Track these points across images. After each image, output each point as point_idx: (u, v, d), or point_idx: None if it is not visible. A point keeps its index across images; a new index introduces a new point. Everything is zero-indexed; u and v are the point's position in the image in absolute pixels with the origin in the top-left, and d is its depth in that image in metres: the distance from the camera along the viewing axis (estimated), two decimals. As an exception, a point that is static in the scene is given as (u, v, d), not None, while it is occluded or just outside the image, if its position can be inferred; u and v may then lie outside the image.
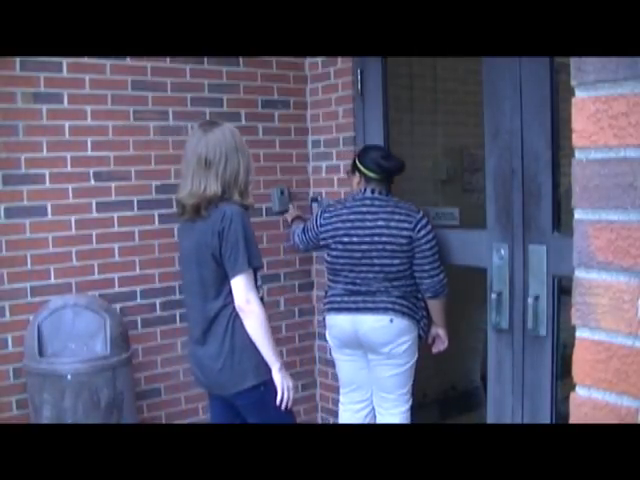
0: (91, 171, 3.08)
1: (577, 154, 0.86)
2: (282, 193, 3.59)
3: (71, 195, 3.03)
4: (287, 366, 3.61)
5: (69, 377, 2.65)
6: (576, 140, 0.86)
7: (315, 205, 3.66)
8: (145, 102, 3.19)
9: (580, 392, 0.87)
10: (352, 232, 2.85)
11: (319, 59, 3.60)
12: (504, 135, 2.70)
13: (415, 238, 2.79)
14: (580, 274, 0.87)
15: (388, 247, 2.80)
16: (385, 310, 2.84)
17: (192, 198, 2.37)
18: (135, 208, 3.19)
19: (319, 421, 3.78)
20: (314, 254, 3.74)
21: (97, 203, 3.09)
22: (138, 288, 3.22)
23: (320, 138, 3.64)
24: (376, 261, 2.82)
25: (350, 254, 2.86)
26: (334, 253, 2.91)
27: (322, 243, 2.97)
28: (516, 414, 2.69)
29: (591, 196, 0.85)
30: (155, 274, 3.26)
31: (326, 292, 3.05)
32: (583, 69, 0.84)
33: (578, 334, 0.87)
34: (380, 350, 2.88)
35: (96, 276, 3.10)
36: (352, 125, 3.45)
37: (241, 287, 2.32)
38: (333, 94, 3.53)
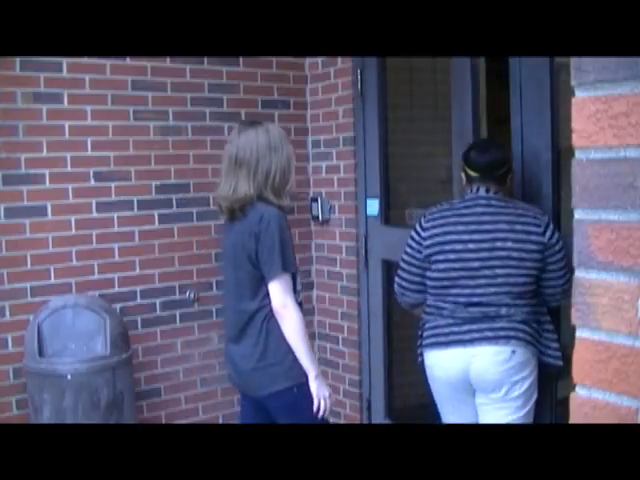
0: (91, 171, 3.08)
1: (577, 154, 0.86)
2: (282, 193, 3.59)
3: (71, 195, 3.03)
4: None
5: (69, 377, 2.65)
6: (576, 140, 0.86)
7: (315, 205, 3.65)
8: (145, 102, 3.19)
9: (580, 392, 0.87)
10: (466, 237, 2.34)
11: (319, 59, 3.60)
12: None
13: (548, 245, 2.30)
14: (580, 274, 0.87)
15: (514, 254, 2.30)
16: (507, 339, 2.30)
17: (224, 201, 2.35)
18: (135, 208, 3.19)
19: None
20: (314, 253, 3.74)
21: (97, 203, 3.09)
22: (138, 288, 3.22)
23: (320, 138, 3.64)
24: (498, 271, 2.31)
25: (464, 264, 2.34)
26: (443, 266, 2.37)
27: (429, 260, 2.42)
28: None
29: (591, 196, 0.85)
30: (155, 274, 3.26)
31: (423, 323, 2.49)
32: (583, 69, 0.84)
33: (578, 334, 0.87)
34: (493, 392, 2.34)
35: (96, 276, 3.10)
36: (352, 125, 3.45)
37: (278, 291, 2.27)
38: (333, 94, 3.53)
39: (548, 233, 2.32)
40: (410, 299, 2.54)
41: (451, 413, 2.49)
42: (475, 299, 2.33)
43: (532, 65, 2.53)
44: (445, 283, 2.38)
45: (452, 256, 2.36)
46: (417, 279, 2.47)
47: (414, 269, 2.47)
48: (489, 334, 2.32)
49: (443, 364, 2.40)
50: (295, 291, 2.35)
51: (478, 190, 2.41)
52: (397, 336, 3.62)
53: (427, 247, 2.41)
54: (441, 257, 2.38)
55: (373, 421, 3.45)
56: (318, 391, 2.32)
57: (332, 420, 3.67)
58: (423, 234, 2.43)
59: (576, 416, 0.88)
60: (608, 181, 0.83)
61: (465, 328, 2.34)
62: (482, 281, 2.32)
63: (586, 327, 0.86)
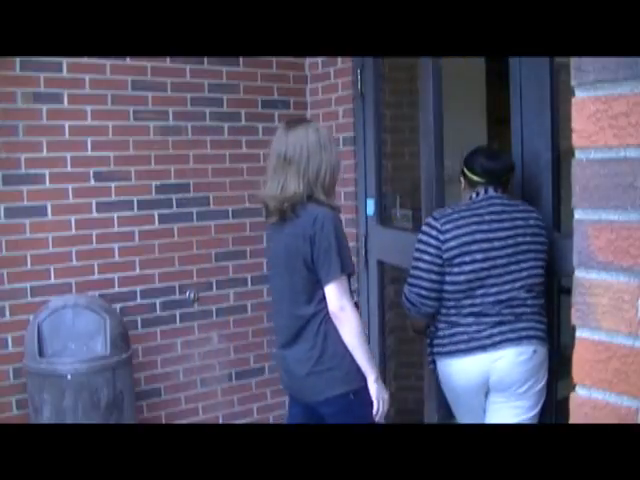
0: (91, 171, 3.08)
1: (577, 154, 0.86)
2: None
3: (71, 195, 3.03)
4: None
5: (69, 377, 2.65)
6: (576, 140, 0.86)
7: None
8: (145, 102, 3.19)
9: (580, 392, 0.87)
10: (492, 235, 2.35)
11: (319, 59, 3.60)
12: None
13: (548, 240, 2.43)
14: (580, 274, 0.87)
15: (533, 247, 2.37)
16: (528, 339, 2.33)
17: (272, 200, 2.27)
18: (135, 208, 3.19)
19: (319, 421, 3.77)
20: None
21: (97, 203, 3.09)
22: (138, 288, 3.22)
23: (320, 138, 3.63)
24: (523, 265, 2.36)
25: (493, 262, 2.33)
26: (469, 267, 2.33)
27: (451, 262, 2.36)
28: (516, 414, 2.68)
29: (591, 196, 0.85)
30: (155, 274, 3.26)
31: (436, 330, 2.46)
32: (583, 69, 0.84)
33: (578, 334, 0.87)
34: (511, 391, 2.37)
35: (96, 276, 3.10)
36: (352, 125, 3.45)
37: (335, 294, 2.19)
38: (333, 94, 3.53)
39: (546, 230, 2.42)
40: (430, 309, 2.43)
41: (466, 415, 2.49)
42: (503, 296, 2.33)
43: (532, 65, 2.52)
44: (473, 285, 2.33)
45: (479, 256, 2.33)
46: (437, 286, 2.38)
47: (434, 276, 2.37)
48: (511, 335, 2.32)
49: (464, 371, 2.38)
50: (350, 292, 2.28)
51: (487, 191, 2.43)
52: (395, 337, 3.62)
53: (450, 249, 2.34)
54: (467, 258, 2.33)
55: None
56: (378, 393, 2.26)
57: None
58: (443, 237, 2.35)
59: (576, 416, 0.88)
60: (608, 181, 0.83)
61: (486, 333, 2.33)
62: (509, 277, 2.33)
63: (586, 327, 0.86)
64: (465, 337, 2.35)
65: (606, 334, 0.84)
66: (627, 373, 0.81)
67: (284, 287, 2.31)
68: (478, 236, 2.33)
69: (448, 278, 2.36)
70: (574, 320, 0.88)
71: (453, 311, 2.39)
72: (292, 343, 2.30)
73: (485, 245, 2.33)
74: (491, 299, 2.33)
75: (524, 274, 2.34)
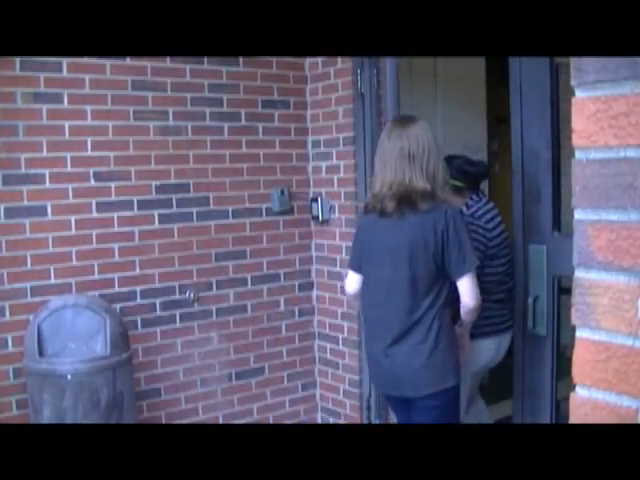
0: (91, 171, 3.08)
1: (577, 154, 0.86)
2: (282, 193, 3.60)
3: (71, 195, 3.03)
4: (287, 366, 3.65)
5: (69, 377, 2.65)
6: (576, 140, 0.86)
7: (315, 205, 3.65)
8: (145, 102, 3.19)
9: (580, 392, 0.87)
10: (503, 230, 2.73)
11: (319, 59, 3.60)
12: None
13: None
14: (580, 274, 0.87)
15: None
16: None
17: (396, 188, 2.29)
18: (135, 208, 3.19)
19: (319, 421, 3.78)
20: (314, 253, 3.74)
21: (97, 203, 3.09)
22: (138, 288, 3.22)
23: (320, 138, 3.64)
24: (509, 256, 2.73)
25: (511, 253, 2.65)
26: (505, 260, 2.68)
27: (495, 255, 2.69)
28: (516, 414, 2.69)
29: (591, 196, 0.85)
30: (155, 274, 3.26)
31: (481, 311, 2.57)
32: (583, 69, 0.84)
33: (578, 334, 0.87)
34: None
35: (96, 276, 3.10)
36: (352, 125, 3.45)
37: (471, 287, 2.27)
38: (333, 94, 3.54)
39: None
40: None
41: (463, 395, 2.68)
42: (510, 283, 2.62)
43: (532, 65, 2.52)
44: (508, 271, 2.63)
45: (508, 249, 2.64)
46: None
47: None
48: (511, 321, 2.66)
49: (488, 349, 2.70)
50: None
51: (483, 194, 2.74)
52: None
53: (496, 246, 2.65)
54: (505, 251, 2.65)
55: (373, 421, 3.45)
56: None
57: (332, 420, 3.68)
58: (490, 234, 2.66)
59: (576, 416, 0.88)
60: (608, 181, 0.83)
61: (509, 316, 2.65)
62: (510, 262, 2.63)
63: (586, 327, 0.86)
64: (499, 320, 2.67)
65: (606, 334, 0.84)
66: (627, 373, 0.81)
67: (401, 281, 2.31)
68: (505, 232, 2.66)
69: (489, 270, 2.64)
70: (574, 320, 0.88)
71: (484, 296, 2.54)
72: (402, 338, 2.32)
73: (507, 238, 2.65)
74: (505, 287, 2.62)
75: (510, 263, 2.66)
